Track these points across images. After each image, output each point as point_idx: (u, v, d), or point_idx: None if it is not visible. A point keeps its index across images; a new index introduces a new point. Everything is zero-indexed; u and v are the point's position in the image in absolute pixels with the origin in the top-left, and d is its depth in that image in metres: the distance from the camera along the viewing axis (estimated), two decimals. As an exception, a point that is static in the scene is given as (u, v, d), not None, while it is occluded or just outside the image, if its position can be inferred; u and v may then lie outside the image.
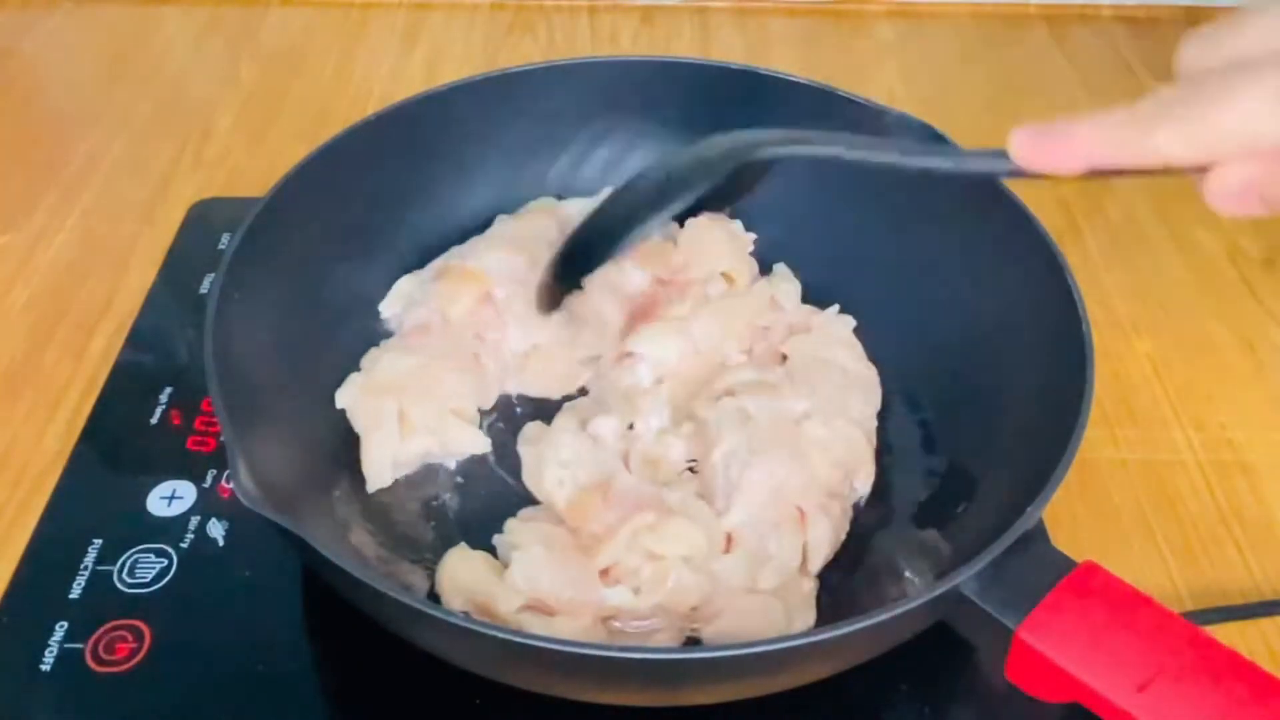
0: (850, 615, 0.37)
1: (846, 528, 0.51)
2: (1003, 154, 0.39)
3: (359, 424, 0.53)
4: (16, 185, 0.71)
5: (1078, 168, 0.38)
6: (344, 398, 0.53)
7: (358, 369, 0.55)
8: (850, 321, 0.59)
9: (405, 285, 0.59)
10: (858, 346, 0.58)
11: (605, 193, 0.52)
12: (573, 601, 0.46)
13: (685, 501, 0.50)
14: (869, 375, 0.57)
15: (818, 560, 0.49)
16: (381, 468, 0.52)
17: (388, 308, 0.58)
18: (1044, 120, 0.39)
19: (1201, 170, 0.37)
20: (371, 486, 0.52)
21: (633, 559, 0.47)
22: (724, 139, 0.48)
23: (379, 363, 0.54)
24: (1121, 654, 0.37)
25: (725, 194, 0.50)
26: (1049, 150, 0.38)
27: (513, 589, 0.46)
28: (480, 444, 0.54)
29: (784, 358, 0.57)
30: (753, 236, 0.62)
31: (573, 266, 0.50)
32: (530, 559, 0.46)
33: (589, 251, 0.49)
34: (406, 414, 0.52)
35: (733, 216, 0.62)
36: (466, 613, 0.46)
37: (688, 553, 0.47)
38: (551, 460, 0.51)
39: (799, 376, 0.55)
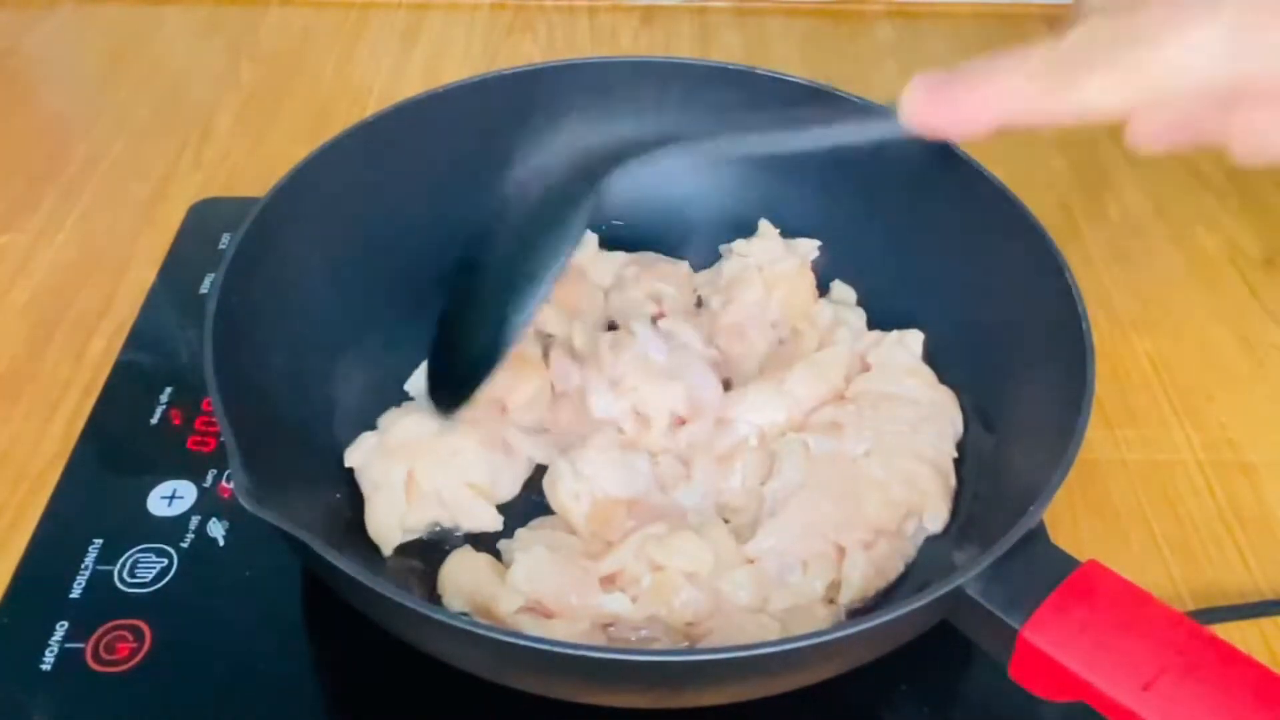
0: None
1: (900, 567, 0.49)
2: (891, 113, 0.33)
3: (366, 484, 0.51)
4: (16, 185, 0.71)
5: (986, 126, 0.32)
6: (355, 457, 0.51)
7: (359, 368, 0.55)
8: (918, 338, 0.56)
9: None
10: (927, 372, 0.55)
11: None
12: (572, 605, 0.46)
13: (704, 519, 0.49)
14: (943, 401, 0.54)
15: (849, 594, 0.47)
16: (389, 531, 0.49)
17: (413, 386, 0.56)
18: (941, 69, 0.32)
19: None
20: (385, 550, 0.49)
21: (636, 567, 0.47)
22: (586, 151, 0.42)
23: (396, 425, 0.51)
24: (1126, 653, 0.37)
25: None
26: (951, 107, 0.32)
27: (514, 589, 0.46)
28: (494, 522, 0.51)
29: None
30: (816, 244, 0.61)
31: (472, 351, 0.44)
32: (533, 559, 0.46)
33: (486, 328, 0.44)
34: (415, 478, 0.50)
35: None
36: (466, 613, 0.46)
37: (692, 569, 0.47)
38: (569, 472, 0.50)
39: (865, 416, 0.52)
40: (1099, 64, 0.31)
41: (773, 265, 0.59)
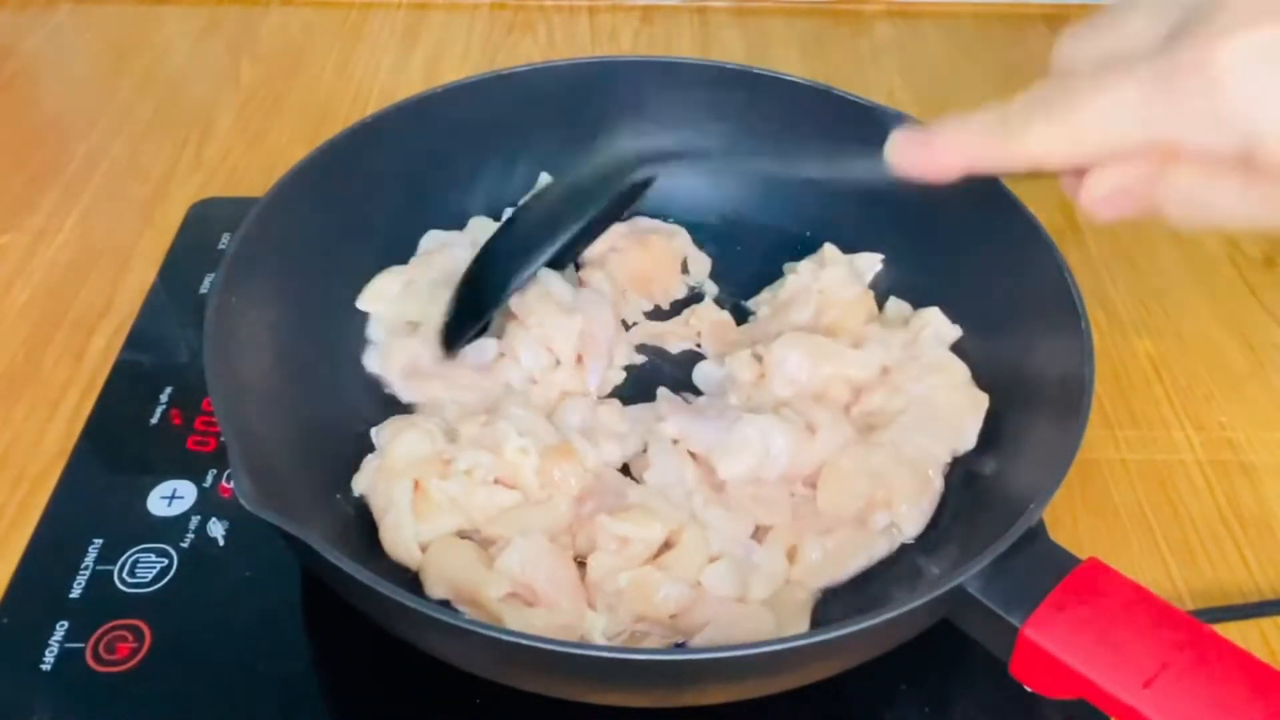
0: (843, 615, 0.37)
1: (863, 559, 0.48)
2: (881, 159, 0.39)
3: (375, 508, 0.49)
4: (16, 185, 0.71)
5: (951, 172, 0.38)
6: (360, 483, 0.50)
7: (360, 367, 0.55)
8: (955, 333, 0.55)
9: (384, 280, 0.57)
10: (958, 369, 0.53)
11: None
12: (563, 602, 0.46)
13: (645, 496, 0.49)
14: (961, 404, 0.52)
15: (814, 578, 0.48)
16: (407, 549, 0.48)
17: (366, 303, 0.57)
18: (923, 125, 0.39)
19: (1078, 173, 0.36)
20: (411, 567, 0.48)
21: (599, 573, 0.46)
22: (611, 155, 0.51)
23: (395, 443, 0.50)
24: (1126, 650, 0.37)
25: (619, 207, 0.55)
26: (922, 155, 0.38)
27: (503, 573, 0.45)
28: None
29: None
30: (878, 259, 0.60)
31: (477, 300, 0.52)
32: (529, 546, 0.46)
33: (492, 282, 0.52)
34: (424, 491, 0.48)
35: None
36: (446, 600, 0.46)
37: (642, 534, 0.47)
38: (511, 432, 0.50)
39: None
40: (1037, 120, 0.35)
41: (835, 290, 0.58)
